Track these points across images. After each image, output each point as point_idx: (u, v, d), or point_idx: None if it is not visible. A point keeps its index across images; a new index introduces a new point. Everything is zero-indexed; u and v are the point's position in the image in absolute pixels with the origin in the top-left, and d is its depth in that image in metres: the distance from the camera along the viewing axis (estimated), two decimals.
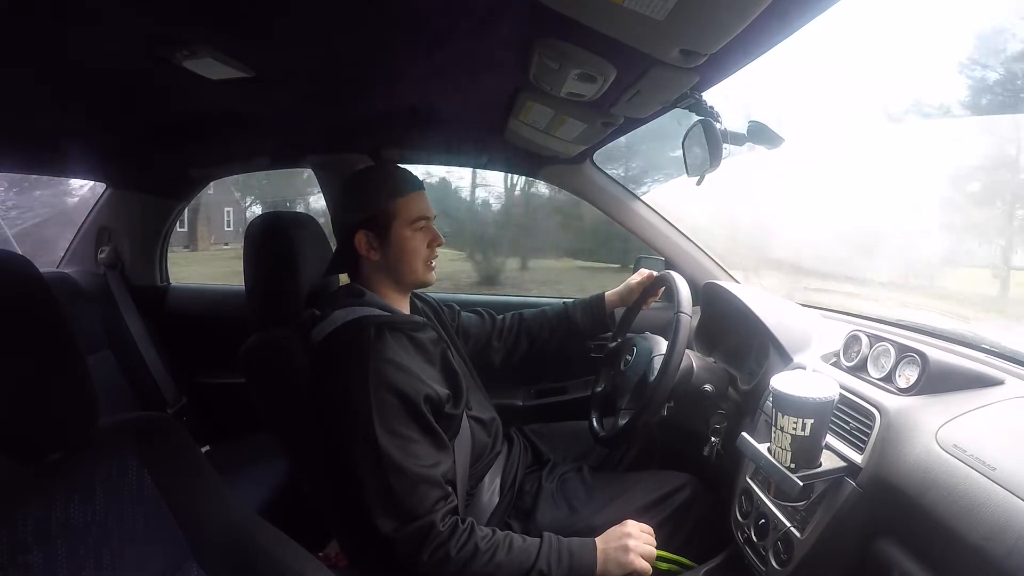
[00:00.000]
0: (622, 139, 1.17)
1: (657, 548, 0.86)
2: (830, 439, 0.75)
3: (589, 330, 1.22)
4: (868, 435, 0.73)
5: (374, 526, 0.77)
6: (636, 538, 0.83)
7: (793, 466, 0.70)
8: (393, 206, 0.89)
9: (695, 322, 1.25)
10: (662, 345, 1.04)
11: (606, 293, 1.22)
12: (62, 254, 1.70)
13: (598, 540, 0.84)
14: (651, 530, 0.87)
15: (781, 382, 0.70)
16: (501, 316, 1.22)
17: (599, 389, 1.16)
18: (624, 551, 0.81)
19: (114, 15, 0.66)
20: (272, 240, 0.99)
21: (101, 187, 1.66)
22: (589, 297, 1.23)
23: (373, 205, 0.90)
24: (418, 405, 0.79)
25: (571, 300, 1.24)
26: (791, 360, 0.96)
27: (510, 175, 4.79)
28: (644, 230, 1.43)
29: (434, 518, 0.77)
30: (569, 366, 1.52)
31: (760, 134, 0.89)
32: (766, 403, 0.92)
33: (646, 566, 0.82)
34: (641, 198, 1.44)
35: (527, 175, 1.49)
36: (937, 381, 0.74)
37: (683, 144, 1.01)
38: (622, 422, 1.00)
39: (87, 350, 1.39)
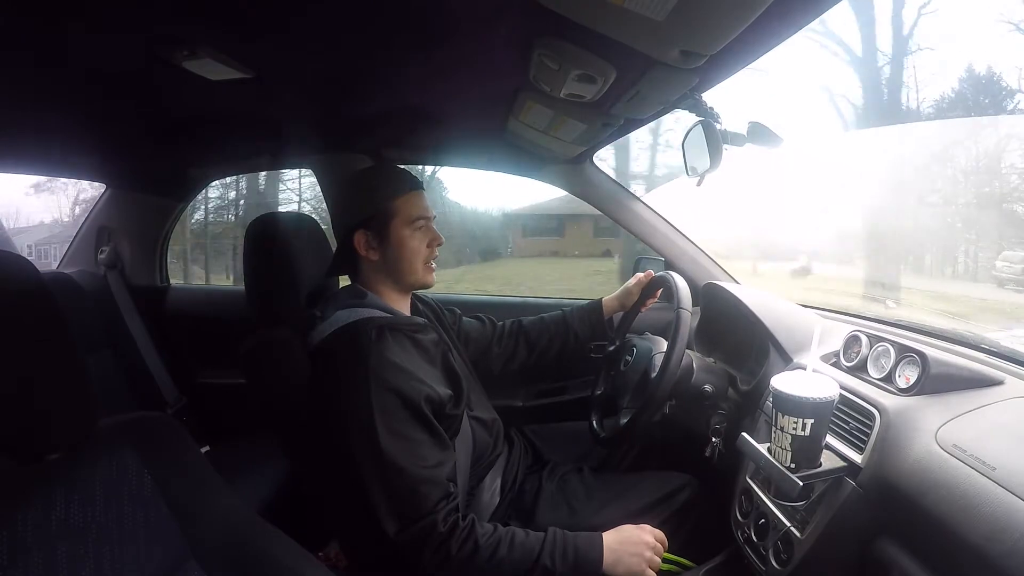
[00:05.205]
0: None
1: None
2: (830, 439, 0.75)
3: (587, 337, 1.21)
4: (868, 435, 0.73)
5: (377, 527, 0.77)
6: (651, 549, 0.83)
7: (793, 466, 0.70)
8: (392, 206, 0.89)
9: (695, 323, 1.25)
10: (662, 344, 1.04)
11: (604, 299, 1.22)
12: None
13: (608, 536, 0.83)
14: (664, 539, 0.86)
15: (781, 382, 0.70)
16: (501, 323, 1.21)
17: (599, 392, 1.16)
18: (639, 560, 0.82)
19: (114, 15, 0.66)
20: (272, 240, 0.99)
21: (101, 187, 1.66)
22: (586, 303, 1.23)
23: (372, 205, 0.89)
24: (419, 406, 0.79)
25: (569, 308, 1.24)
26: (791, 360, 0.96)
27: None
28: (644, 231, 1.42)
29: (436, 518, 0.77)
30: (569, 366, 1.51)
31: (759, 135, 0.89)
32: (766, 403, 0.92)
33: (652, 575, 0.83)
34: (641, 199, 1.44)
35: (527, 175, 1.49)
36: (937, 381, 0.74)
37: (683, 145, 1.01)
38: (623, 420, 1.00)
39: (87, 350, 1.42)
